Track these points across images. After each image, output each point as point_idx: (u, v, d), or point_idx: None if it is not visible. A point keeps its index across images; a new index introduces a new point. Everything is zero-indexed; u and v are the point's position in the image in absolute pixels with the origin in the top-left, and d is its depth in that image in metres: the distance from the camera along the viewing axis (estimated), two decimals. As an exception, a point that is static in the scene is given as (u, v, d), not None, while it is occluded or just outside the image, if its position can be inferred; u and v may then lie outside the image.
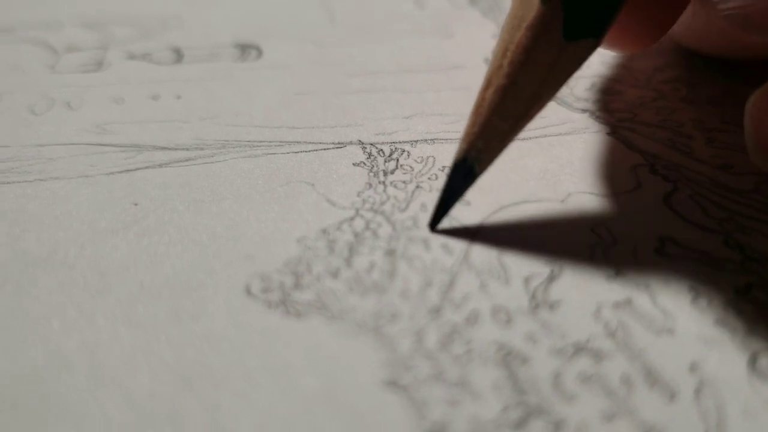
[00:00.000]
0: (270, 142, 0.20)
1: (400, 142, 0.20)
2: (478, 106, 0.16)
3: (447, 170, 0.17)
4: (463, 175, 0.16)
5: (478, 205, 0.18)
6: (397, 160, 0.20)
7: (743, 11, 0.18)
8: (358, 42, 0.26)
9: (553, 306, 0.15)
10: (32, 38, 0.26)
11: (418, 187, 0.18)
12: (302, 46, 0.25)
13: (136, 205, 0.18)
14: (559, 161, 0.19)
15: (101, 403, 0.13)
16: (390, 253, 0.16)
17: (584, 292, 0.15)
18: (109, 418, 0.13)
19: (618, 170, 0.19)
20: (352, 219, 0.17)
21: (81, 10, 0.28)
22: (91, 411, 0.13)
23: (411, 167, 0.19)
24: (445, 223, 0.17)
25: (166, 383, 0.14)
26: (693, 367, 0.14)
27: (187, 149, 0.20)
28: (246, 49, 0.25)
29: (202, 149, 0.20)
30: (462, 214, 0.17)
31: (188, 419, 0.13)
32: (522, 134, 0.20)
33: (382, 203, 0.18)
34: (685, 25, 0.20)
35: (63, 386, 0.14)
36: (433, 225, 0.17)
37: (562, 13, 0.15)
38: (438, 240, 0.17)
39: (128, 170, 0.19)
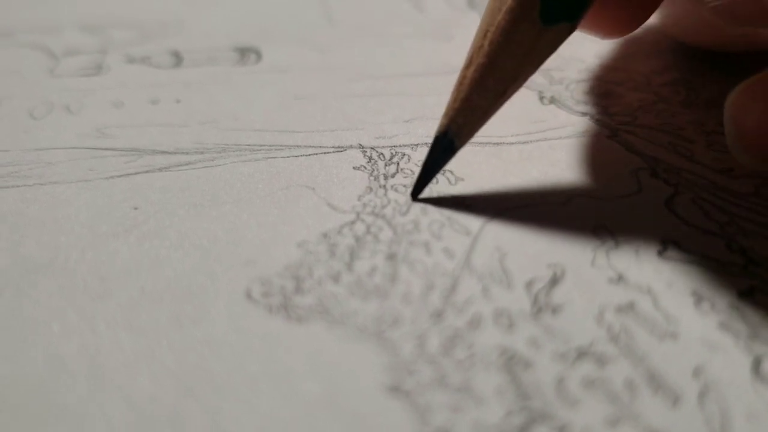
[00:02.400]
0: (270, 145, 0.20)
1: (400, 146, 0.20)
2: (459, 84, 0.17)
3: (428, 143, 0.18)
4: (443, 149, 0.17)
5: (479, 208, 0.18)
6: (398, 163, 0.19)
7: (730, 3, 0.18)
8: (358, 45, 0.26)
9: (555, 310, 0.15)
10: (31, 42, 0.26)
11: (418, 190, 0.18)
12: (302, 49, 0.25)
13: (136, 209, 0.18)
14: (559, 165, 0.19)
15: (102, 407, 0.13)
16: (391, 257, 0.16)
17: (586, 296, 0.15)
18: (110, 423, 0.13)
19: (619, 174, 0.19)
20: (352, 223, 0.17)
21: (80, 13, 0.28)
22: (92, 415, 0.13)
23: (412, 171, 0.19)
24: (438, 214, 0.17)
25: (167, 388, 0.14)
26: (697, 371, 0.14)
27: (187, 153, 0.20)
28: (245, 53, 0.25)
29: (202, 153, 0.20)
30: (463, 216, 0.17)
31: (189, 424, 0.13)
32: (523, 137, 0.20)
33: (383, 207, 0.18)
34: (675, 18, 0.21)
35: (63, 391, 0.13)
36: (415, 194, 0.18)
37: None
38: (439, 244, 0.17)
39: (128, 174, 0.19)
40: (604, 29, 0.19)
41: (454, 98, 0.17)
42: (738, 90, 0.17)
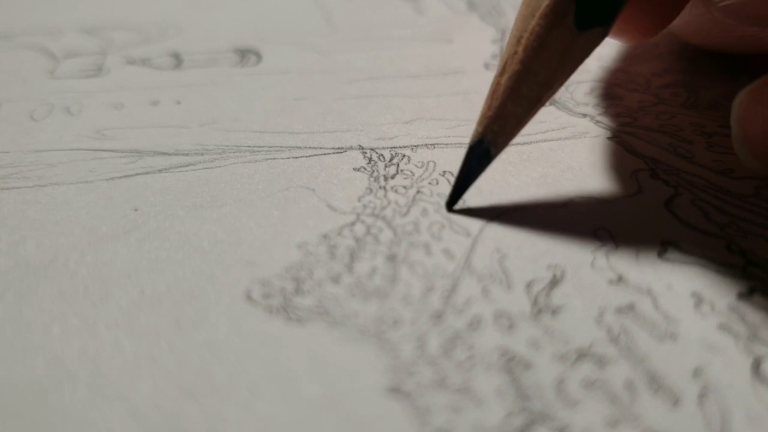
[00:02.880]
0: (270, 147, 0.20)
1: (400, 147, 0.20)
2: (494, 91, 0.17)
3: (463, 153, 0.18)
4: (478, 158, 0.17)
5: (479, 210, 0.18)
6: (398, 165, 0.19)
7: (739, 3, 0.18)
8: (358, 47, 0.26)
9: (555, 311, 0.15)
10: (32, 44, 0.26)
11: (418, 191, 0.18)
12: (302, 51, 0.25)
13: (136, 210, 0.18)
14: (560, 166, 0.19)
15: (102, 411, 0.13)
16: (391, 258, 0.16)
17: (586, 297, 0.15)
18: (111, 426, 0.13)
19: (619, 175, 0.19)
20: (353, 224, 0.17)
21: (80, 16, 0.28)
22: (93, 419, 0.13)
23: (411, 172, 0.19)
24: (438, 215, 0.17)
25: (168, 391, 0.14)
26: (696, 373, 0.14)
27: (187, 154, 0.20)
28: (245, 55, 0.25)
29: (202, 154, 0.20)
30: (463, 218, 0.17)
31: (190, 427, 0.13)
32: (523, 139, 0.20)
33: (383, 208, 0.18)
34: (684, 18, 0.21)
35: (64, 395, 0.13)
36: (450, 205, 0.18)
37: (573, 2, 0.16)
38: (439, 245, 0.17)
39: (128, 176, 0.19)
40: (630, 34, 0.19)
41: (488, 106, 0.17)
42: (745, 93, 0.17)
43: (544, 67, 0.16)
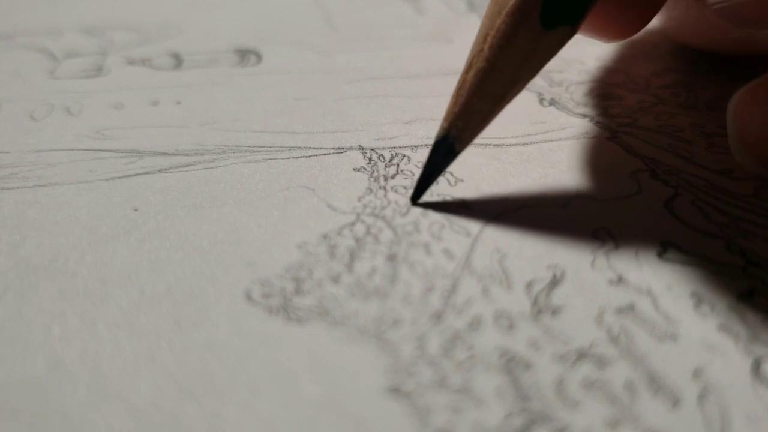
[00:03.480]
0: (270, 147, 0.20)
1: (400, 147, 0.20)
2: (459, 88, 0.17)
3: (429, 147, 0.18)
4: (443, 153, 0.17)
5: (479, 210, 0.18)
6: (398, 165, 0.19)
7: (733, 5, 0.18)
8: (358, 47, 0.26)
9: (555, 311, 0.15)
10: (32, 44, 0.26)
11: (418, 192, 0.18)
12: (302, 51, 0.25)
13: (136, 210, 0.18)
14: (559, 166, 0.19)
15: (102, 411, 0.13)
16: (391, 258, 0.16)
17: (586, 298, 0.15)
18: (111, 427, 0.13)
19: (618, 175, 0.19)
20: (353, 224, 0.17)
21: (80, 16, 0.28)
22: (93, 420, 0.13)
23: (411, 172, 0.19)
24: (438, 215, 0.17)
25: (168, 391, 0.14)
26: (696, 373, 0.14)
27: (187, 154, 0.20)
28: (245, 55, 0.25)
29: (202, 154, 0.20)
30: (463, 218, 0.17)
31: (190, 427, 0.13)
32: (522, 139, 0.20)
33: (383, 208, 0.18)
34: (678, 21, 0.21)
35: (64, 395, 0.13)
36: (414, 199, 0.18)
37: (539, 1, 0.16)
38: (439, 245, 0.17)
39: (128, 176, 0.19)
40: (605, 33, 0.19)
41: (454, 102, 0.17)
42: (741, 93, 0.17)
43: (510, 65, 0.16)
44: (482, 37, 0.17)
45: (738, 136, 0.17)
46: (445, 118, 0.17)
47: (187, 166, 0.19)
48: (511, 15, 0.16)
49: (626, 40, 0.25)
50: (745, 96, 0.17)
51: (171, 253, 0.17)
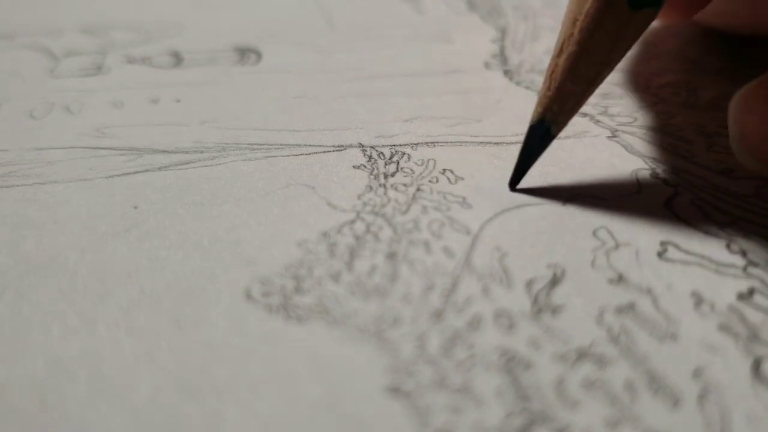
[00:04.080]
0: (270, 145, 0.20)
1: (400, 145, 0.20)
2: (551, 72, 0.17)
3: (523, 133, 0.18)
4: (539, 137, 0.18)
5: (479, 208, 0.18)
6: (398, 162, 0.19)
7: None
8: (358, 47, 0.26)
9: (555, 311, 0.15)
10: (32, 43, 0.26)
11: (418, 189, 0.18)
12: (302, 50, 0.25)
13: (136, 208, 0.18)
14: (560, 165, 0.19)
15: (102, 411, 0.13)
16: (391, 256, 0.16)
17: (587, 297, 0.15)
18: (110, 426, 0.13)
19: (619, 174, 0.19)
20: (352, 222, 0.17)
21: (80, 14, 0.28)
22: (92, 419, 0.13)
23: (411, 170, 0.19)
24: (438, 213, 0.17)
25: (168, 390, 0.13)
26: (696, 373, 0.14)
27: (187, 152, 0.20)
28: (245, 53, 0.25)
29: (201, 152, 0.20)
30: (463, 216, 0.17)
31: (190, 426, 0.13)
32: (523, 138, 0.20)
33: (383, 206, 0.18)
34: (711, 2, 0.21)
35: (63, 394, 0.13)
36: (513, 184, 0.18)
37: None
38: (439, 243, 0.17)
39: (128, 174, 0.19)
40: (673, 14, 0.20)
41: (548, 86, 0.17)
42: (742, 92, 0.17)
43: (600, 47, 0.17)
44: (571, 22, 0.17)
45: (739, 135, 0.17)
46: (539, 103, 0.18)
47: (187, 164, 0.19)
48: None
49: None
50: (746, 95, 0.17)
51: (171, 251, 0.17)
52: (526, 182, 0.18)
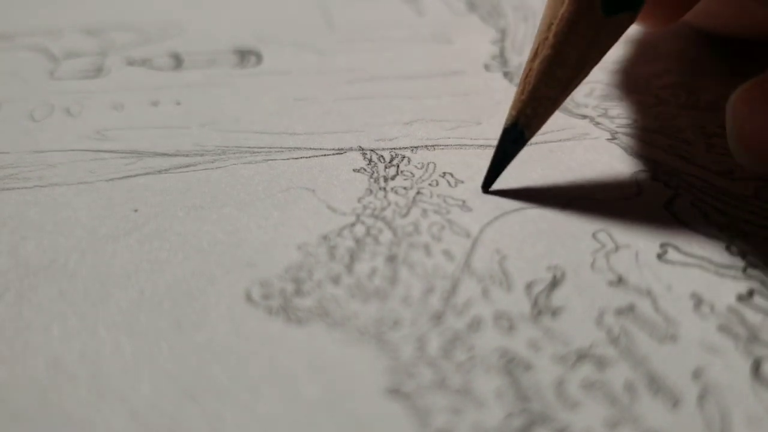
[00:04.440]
0: (270, 148, 0.20)
1: (400, 148, 0.20)
2: (526, 76, 0.17)
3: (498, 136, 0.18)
4: (512, 140, 0.18)
5: (479, 211, 0.18)
6: (398, 166, 0.19)
7: None
8: (358, 48, 0.26)
9: (555, 312, 0.15)
10: (32, 45, 0.26)
11: (418, 192, 0.18)
12: (302, 52, 0.25)
13: (136, 211, 0.18)
14: (559, 167, 0.19)
15: (102, 412, 0.13)
16: (391, 259, 0.16)
17: (586, 299, 0.15)
18: (111, 428, 0.13)
19: (619, 176, 0.19)
20: (352, 225, 0.17)
21: (80, 16, 0.28)
22: (93, 421, 0.13)
23: (411, 173, 0.19)
24: (438, 216, 0.17)
25: (168, 392, 0.14)
26: (696, 374, 0.14)
27: (187, 155, 0.20)
28: (246, 55, 0.25)
29: (202, 155, 0.20)
30: (463, 219, 0.17)
31: (190, 428, 0.13)
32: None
33: (383, 209, 0.18)
34: (709, 6, 0.21)
35: (64, 396, 0.13)
36: (486, 187, 0.18)
37: None
38: (439, 246, 0.17)
39: (128, 176, 0.19)
40: (655, 19, 0.20)
41: (522, 90, 0.17)
42: (739, 92, 0.17)
43: (574, 51, 0.17)
44: (546, 25, 0.17)
45: (737, 134, 0.17)
46: (513, 106, 0.18)
47: (187, 166, 0.19)
48: (575, 3, 0.17)
49: (625, 41, 0.25)
50: (744, 95, 0.17)
51: (171, 253, 0.17)
52: (527, 184, 0.19)
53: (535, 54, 0.17)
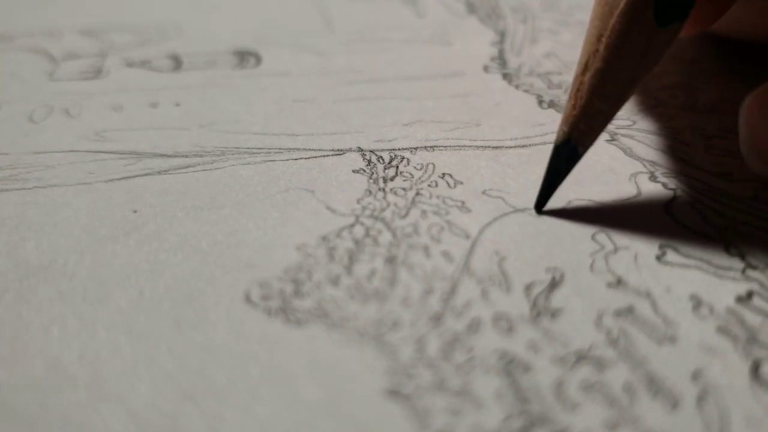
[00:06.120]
0: (269, 149, 0.20)
1: (399, 149, 0.20)
2: (577, 90, 0.17)
3: (550, 152, 0.18)
4: (566, 157, 0.17)
5: (478, 212, 0.18)
6: (397, 167, 0.19)
7: None
8: (358, 50, 0.26)
9: (554, 314, 0.15)
10: (31, 46, 0.26)
11: (418, 193, 0.18)
12: (301, 53, 0.26)
13: (135, 212, 0.18)
14: (559, 168, 0.19)
15: (101, 413, 0.13)
16: (390, 260, 0.16)
17: (585, 300, 0.15)
18: (110, 429, 0.13)
19: (618, 178, 0.19)
20: (352, 226, 0.17)
21: (80, 17, 0.28)
22: (92, 421, 0.13)
23: (411, 174, 0.19)
24: (437, 218, 0.17)
25: (167, 393, 0.14)
26: (695, 375, 0.14)
27: (186, 156, 0.20)
28: (245, 57, 0.25)
29: (201, 156, 0.20)
30: (462, 221, 0.17)
31: (189, 429, 0.13)
32: (522, 141, 0.20)
33: (382, 210, 0.18)
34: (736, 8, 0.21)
35: (63, 396, 0.13)
36: (539, 207, 0.18)
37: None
38: (438, 247, 0.17)
39: (127, 177, 0.19)
40: (691, 25, 0.19)
41: (573, 105, 0.17)
42: (752, 97, 0.17)
43: (627, 64, 0.16)
44: (595, 38, 0.17)
45: (750, 140, 0.17)
46: (564, 122, 0.17)
47: (186, 167, 0.19)
48: (626, 14, 0.16)
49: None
50: (756, 101, 0.17)
51: (170, 254, 0.17)
52: (526, 185, 0.19)
53: (585, 67, 0.17)
